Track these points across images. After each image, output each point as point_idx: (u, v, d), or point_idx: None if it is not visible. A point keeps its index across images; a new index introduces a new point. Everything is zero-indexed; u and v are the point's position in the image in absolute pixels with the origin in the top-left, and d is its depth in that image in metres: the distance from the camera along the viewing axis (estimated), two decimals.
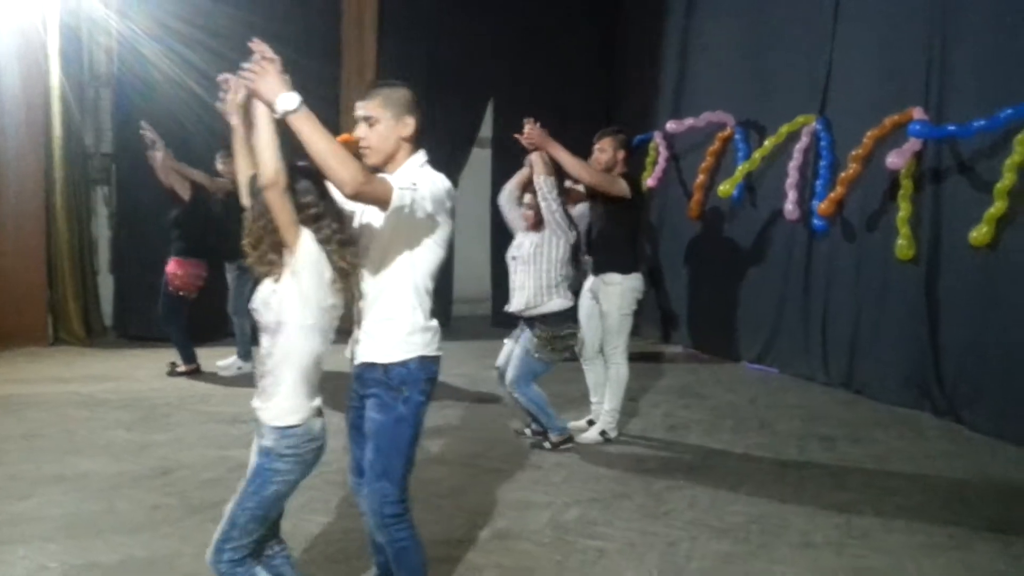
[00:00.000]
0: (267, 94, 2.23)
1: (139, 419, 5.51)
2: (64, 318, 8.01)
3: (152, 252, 6.90)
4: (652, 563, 3.50)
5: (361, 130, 2.62)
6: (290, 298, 2.35)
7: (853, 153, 6.61)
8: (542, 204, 4.77)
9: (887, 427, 5.77)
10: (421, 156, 2.68)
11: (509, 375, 4.92)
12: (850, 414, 6.13)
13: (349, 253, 2.44)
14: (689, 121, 8.54)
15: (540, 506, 4.12)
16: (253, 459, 2.45)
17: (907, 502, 4.29)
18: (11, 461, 4.61)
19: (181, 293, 6.63)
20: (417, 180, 2.51)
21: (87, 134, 8.50)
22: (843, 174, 6.72)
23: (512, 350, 5.01)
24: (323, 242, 2.38)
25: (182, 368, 6.77)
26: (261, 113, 2.27)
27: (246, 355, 6.84)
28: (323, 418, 2.48)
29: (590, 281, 5.28)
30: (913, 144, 6.07)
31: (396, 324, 2.59)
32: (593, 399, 5.45)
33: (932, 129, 5.96)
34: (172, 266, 6.61)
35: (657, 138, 9.01)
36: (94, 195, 8.71)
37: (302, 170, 2.40)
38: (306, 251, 2.34)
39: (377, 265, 2.60)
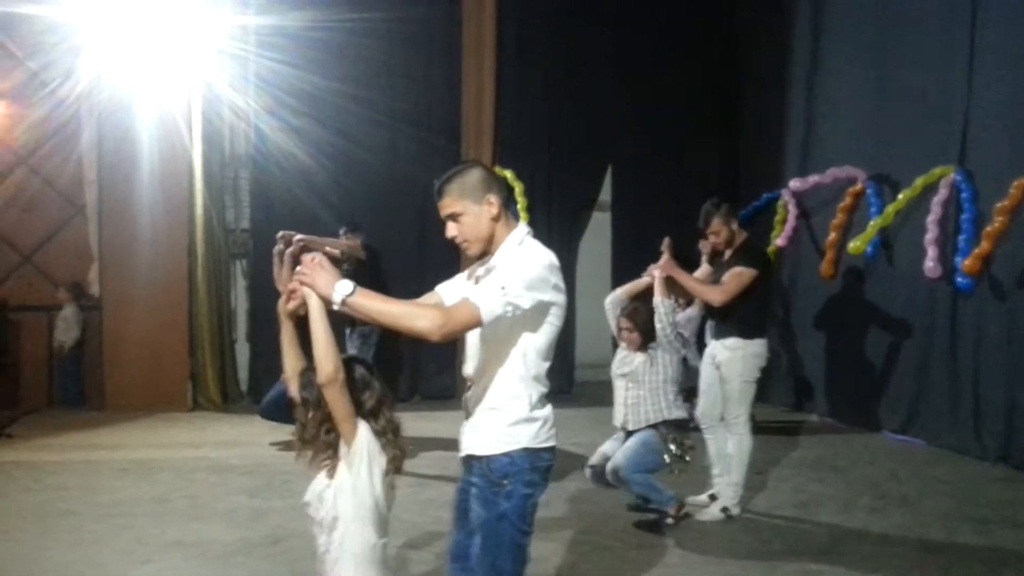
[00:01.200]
0: (324, 289, 2.24)
1: (261, 485, 5.66)
2: (203, 385, 8.47)
3: None
4: None
5: (451, 229, 2.57)
6: (345, 492, 2.32)
7: (999, 205, 6.11)
8: (657, 325, 4.71)
9: None
10: (521, 231, 2.57)
11: (619, 460, 4.67)
12: (1007, 492, 5.54)
13: (403, 441, 2.42)
14: (814, 178, 8.22)
15: None
16: None
17: None
18: (139, 525, 4.81)
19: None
20: (507, 276, 2.38)
21: (228, 211, 9.07)
22: (988, 228, 6.23)
23: (609, 450, 4.84)
24: (379, 433, 2.36)
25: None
26: (315, 308, 2.26)
27: None
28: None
29: (711, 346, 5.05)
30: None
31: (499, 415, 2.48)
32: (715, 471, 5.15)
33: None
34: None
35: (785, 195, 8.69)
36: (233, 268, 9.26)
37: (359, 361, 2.43)
38: (363, 442, 2.31)
39: (482, 355, 2.52)
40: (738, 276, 4.77)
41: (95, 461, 6.32)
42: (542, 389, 2.52)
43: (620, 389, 4.86)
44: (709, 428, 5.12)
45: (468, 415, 2.56)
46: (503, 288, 2.34)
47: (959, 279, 6.52)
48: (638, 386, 4.76)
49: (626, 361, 4.86)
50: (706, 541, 4.57)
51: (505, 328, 2.43)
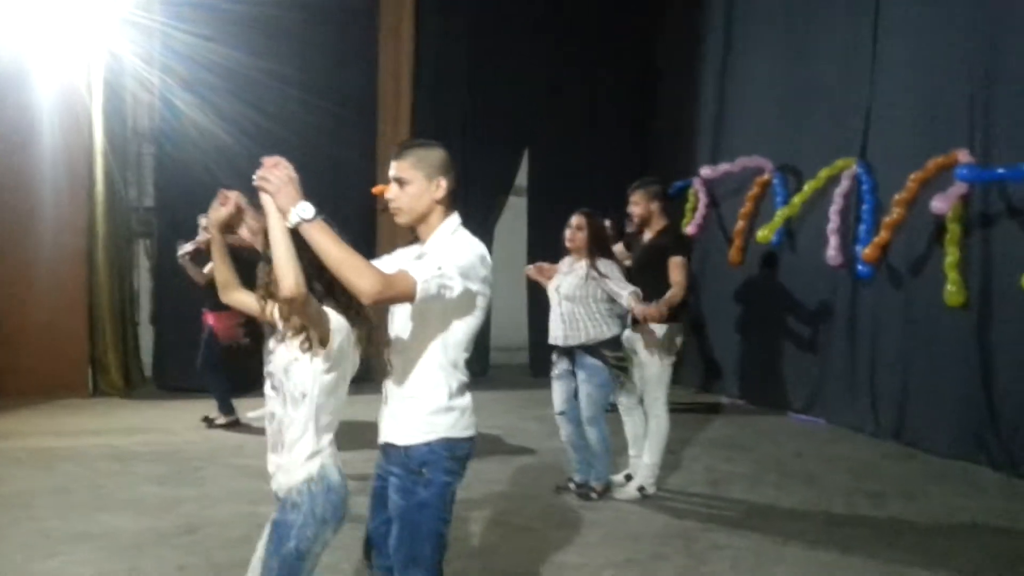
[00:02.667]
0: (284, 202, 2.17)
1: (170, 473, 5.47)
2: (104, 369, 8.09)
3: (192, 304, 6.94)
4: None
5: (392, 191, 2.54)
6: (318, 374, 2.30)
7: (897, 197, 6.43)
8: (606, 287, 4.82)
9: (941, 482, 5.50)
10: (454, 221, 2.57)
11: (586, 414, 4.85)
12: (902, 468, 5.86)
13: (367, 310, 2.38)
14: (724, 167, 8.45)
15: (573, 568, 3.95)
16: (272, 515, 2.39)
17: (965, 564, 4.04)
18: (41, 516, 4.58)
19: (227, 343, 6.64)
20: (443, 259, 2.37)
21: (130, 188, 8.66)
22: (887, 218, 6.54)
23: (568, 392, 4.95)
24: (345, 308, 2.32)
25: (221, 420, 6.75)
26: (275, 224, 2.19)
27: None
28: (341, 472, 2.39)
29: (626, 334, 5.14)
30: (959, 188, 5.88)
31: (418, 403, 2.46)
32: (632, 452, 5.27)
33: (981, 172, 5.78)
34: (211, 319, 6.64)
35: (696, 184, 8.91)
36: (136, 248, 8.87)
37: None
38: (340, 338, 2.28)
39: (405, 342, 2.50)
40: (681, 266, 4.94)
41: None
42: (462, 378, 2.52)
43: (556, 305, 4.94)
44: (627, 410, 5.23)
45: (386, 402, 2.54)
46: (439, 268, 2.33)
47: (859, 267, 6.82)
48: (573, 303, 4.84)
49: (566, 274, 4.92)
50: (624, 519, 4.67)
51: (430, 314, 2.43)
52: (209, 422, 6.76)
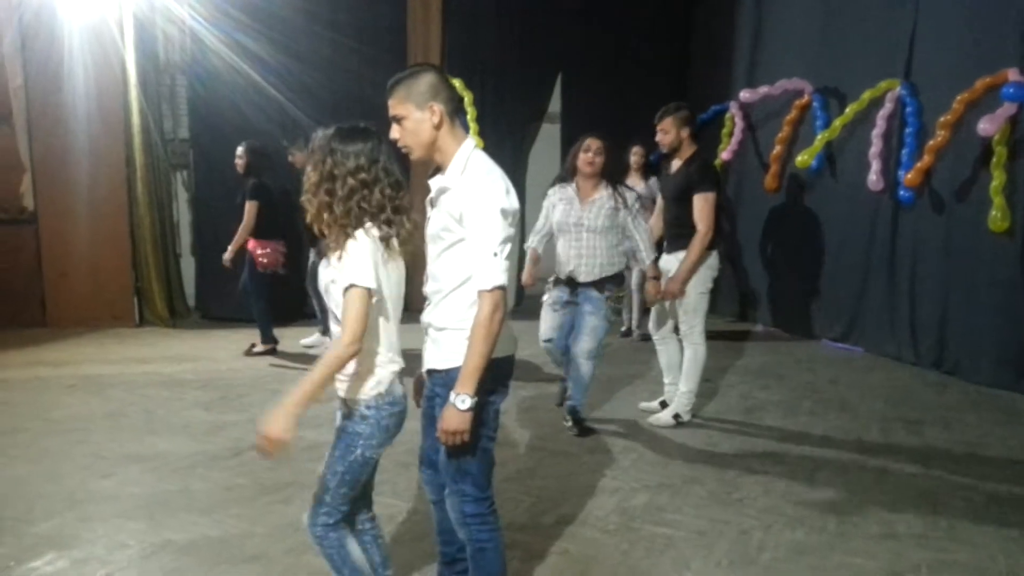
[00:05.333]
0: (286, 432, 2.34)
1: (216, 399, 5.64)
2: (149, 300, 8.28)
3: (232, 234, 7.05)
4: (721, 553, 3.39)
5: (394, 131, 2.56)
6: None
7: (941, 119, 6.25)
8: (628, 228, 4.83)
9: (980, 410, 5.47)
10: (468, 147, 2.54)
11: (586, 346, 4.80)
12: (939, 396, 5.84)
13: (407, 223, 2.44)
14: (764, 89, 8.24)
15: (607, 491, 4.04)
16: (338, 422, 2.53)
17: (1000, 492, 4.06)
18: (95, 440, 4.78)
19: (269, 271, 6.76)
20: (487, 239, 2.40)
21: (165, 121, 8.72)
22: (931, 142, 6.37)
23: (559, 321, 4.96)
24: (384, 238, 2.39)
25: (260, 348, 6.92)
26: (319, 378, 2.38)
27: (327, 331, 6.95)
28: (402, 385, 2.52)
29: (664, 260, 5.12)
30: (1008, 108, 5.69)
31: (457, 331, 2.52)
32: (666, 380, 5.31)
33: None
34: (252, 245, 6.73)
35: (733, 109, 8.72)
36: (174, 180, 8.96)
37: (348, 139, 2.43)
38: (369, 280, 2.33)
39: (440, 276, 2.56)
40: (706, 202, 4.78)
41: (42, 378, 6.20)
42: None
43: (570, 239, 4.84)
44: (661, 339, 5.25)
45: (427, 331, 2.62)
46: (495, 255, 2.40)
47: (901, 192, 6.69)
48: (596, 234, 4.78)
49: (589, 206, 4.82)
50: (657, 445, 4.75)
51: (461, 250, 2.48)
52: (249, 350, 6.93)
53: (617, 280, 4.89)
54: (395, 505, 3.82)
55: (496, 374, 2.54)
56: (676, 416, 5.10)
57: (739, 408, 5.53)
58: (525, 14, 9.09)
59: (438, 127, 2.51)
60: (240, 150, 6.73)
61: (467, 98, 8.59)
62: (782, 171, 8.11)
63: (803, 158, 7.39)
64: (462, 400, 2.37)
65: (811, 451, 4.67)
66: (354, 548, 2.57)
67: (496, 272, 2.40)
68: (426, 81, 2.51)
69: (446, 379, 2.53)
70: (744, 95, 8.44)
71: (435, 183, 2.57)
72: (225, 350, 7.12)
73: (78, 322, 7.90)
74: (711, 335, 5.45)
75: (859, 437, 4.93)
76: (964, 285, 6.25)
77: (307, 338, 7.27)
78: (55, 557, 3.33)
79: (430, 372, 2.63)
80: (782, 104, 8.14)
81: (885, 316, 7.03)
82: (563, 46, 9.32)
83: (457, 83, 8.68)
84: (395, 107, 2.52)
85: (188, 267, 8.92)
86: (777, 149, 8.13)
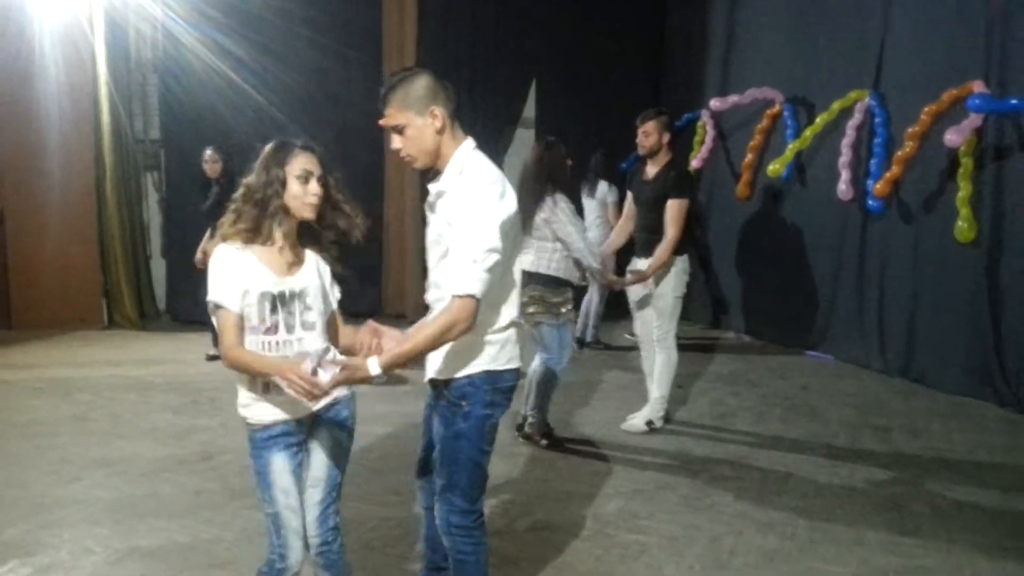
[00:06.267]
0: (358, 377, 2.26)
1: (186, 403, 5.58)
2: (118, 302, 8.17)
3: (202, 236, 6.97)
4: (694, 558, 3.41)
5: (395, 142, 2.45)
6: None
7: (909, 130, 6.34)
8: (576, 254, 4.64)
9: (946, 418, 5.56)
10: (466, 148, 2.48)
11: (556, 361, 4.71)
12: (907, 404, 5.92)
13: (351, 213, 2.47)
14: (733, 98, 8.32)
15: (581, 497, 4.05)
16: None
17: (966, 498, 4.12)
18: (62, 444, 4.70)
19: None
20: (472, 245, 2.30)
21: (135, 121, 8.61)
22: (899, 152, 6.47)
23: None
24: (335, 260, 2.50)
25: (214, 352, 6.82)
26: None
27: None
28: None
29: (634, 263, 5.11)
30: (973, 120, 5.79)
31: (463, 337, 2.40)
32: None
33: (993, 103, 5.68)
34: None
35: (704, 117, 8.80)
36: (144, 181, 8.85)
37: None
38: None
39: (439, 277, 2.47)
40: (679, 208, 4.81)
41: (7, 381, 6.08)
42: (502, 313, 2.50)
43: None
44: (648, 347, 5.17)
45: None
46: (474, 261, 2.29)
47: (870, 202, 6.78)
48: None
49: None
50: (630, 451, 4.76)
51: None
52: (212, 356, 6.81)
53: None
54: (365, 510, 3.79)
55: (498, 387, 2.50)
56: (649, 423, 5.12)
57: (710, 414, 5.57)
58: (498, 18, 9.11)
59: (441, 132, 2.43)
60: (213, 154, 6.62)
61: None
62: (753, 179, 8.19)
63: (774, 167, 7.47)
64: (374, 366, 2.25)
65: (781, 457, 4.71)
66: None
67: (471, 279, 2.28)
68: (423, 85, 2.41)
69: (445, 390, 2.49)
70: (714, 103, 8.52)
71: (433, 188, 2.49)
72: (195, 353, 7.03)
73: (45, 324, 7.75)
74: (683, 342, 5.49)
75: (828, 444, 4.98)
76: (931, 294, 6.35)
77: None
78: (18, 564, 3.28)
79: (432, 382, 2.56)
80: (753, 113, 8.23)
81: (854, 324, 7.12)
82: (538, 51, 9.34)
83: None
84: (393, 116, 2.41)
85: (158, 269, 8.81)
86: (748, 157, 8.20)
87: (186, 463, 4.42)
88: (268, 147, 2.39)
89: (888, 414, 5.63)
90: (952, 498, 4.11)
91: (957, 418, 5.54)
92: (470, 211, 2.34)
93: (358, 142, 8.26)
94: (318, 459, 2.49)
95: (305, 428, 2.46)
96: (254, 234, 2.35)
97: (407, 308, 8.70)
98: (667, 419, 5.24)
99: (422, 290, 2.63)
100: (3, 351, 7.05)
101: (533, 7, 9.15)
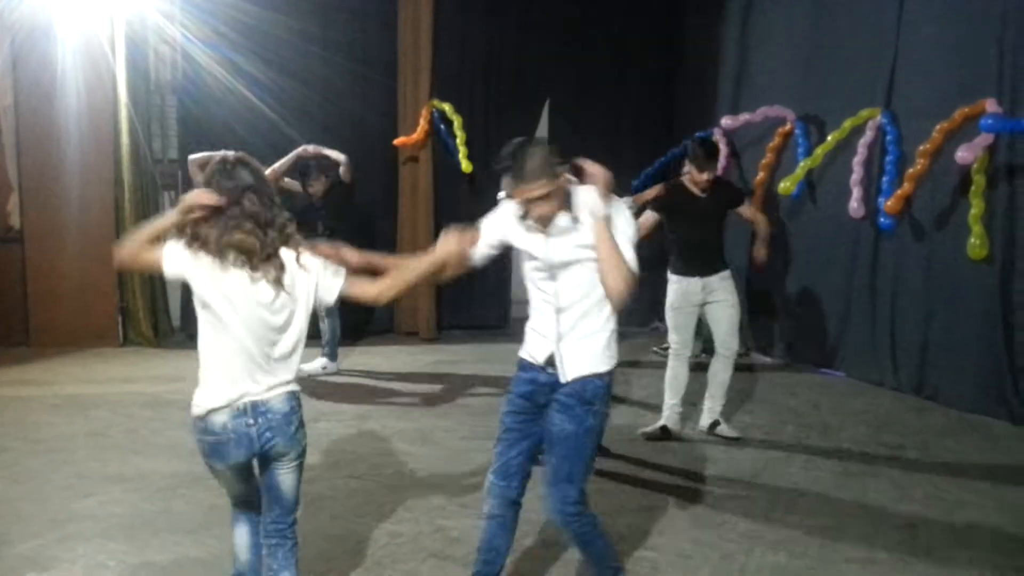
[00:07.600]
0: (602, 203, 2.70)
1: None
2: (133, 320, 8.27)
3: None
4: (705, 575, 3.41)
5: (535, 210, 2.67)
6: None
7: (921, 148, 6.35)
8: None
9: (959, 435, 5.53)
10: (571, 178, 2.86)
11: None
12: (920, 421, 5.90)
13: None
14: (745, 116, 8.35)
15: None
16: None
17: (979, 518, 4.10)
18: (77, 459, 4.76)
19: None
20: (622, 231, 2.75)
21: (154, 141, 8.74)
22: (911, 170, 6.47)
23: None
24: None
25: None
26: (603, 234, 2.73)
27: (333, 355, 7.08)
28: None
29: (707, 281, 5.30)
30: (984, 138, 5.80)
31: (594, 341, 2.75)
32: (673, 400, 5.39)
33: (1005, 122, 5.69)
34: None
35: (717, 134, 8.83)
36: (162, 200, 8.96)
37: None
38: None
39: (574, 288, 2.75)
40: (750, 204, 5.46)
41: (25, 397, 6.17)
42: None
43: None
44: (682, 356, 5.35)
45: (559, 340, 2.75)
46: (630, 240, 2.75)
47: (881, 219, 6.77)
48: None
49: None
50: (640, 467, 4.76)
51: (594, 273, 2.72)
52: None
53: None
54: (377, 527, 3.82)
55: (610, 387, 2.82)
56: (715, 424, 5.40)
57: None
58: (512, 40, 9.21)
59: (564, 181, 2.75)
60: None
61: (457, 122, 8.67)
62: (765, 197, 8.20)
63: (785, 185, 7.48)
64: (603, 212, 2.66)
65: (793, 475, 4.71)
66: None
67: (630, 255, 2.75)
68: (543, 151, 2.65)
69: (579, 388, 2.72)
70: (726, 121, 8.55)
71: (561, 220, 2.73)
72: None
73: (62, 341, 7.85)
74: (695, 359, 5.53)
75: (840, 461, 4.97)
76: (944, 311, 6.33)
77: (308, 364, 6.73)
78: None
79: (553, 384, 2.76)
80: (765, 131, 8.25)
81: (867, 342, 7.10)
82: (552, 71, 9.40)
83: (447, 107, 8.77)
84: (535, 191, 2.62)
85: (173, 287, 8.89)
86: (760, 175, 8.22)
87: (201, 479, 4.43)
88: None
89: (901, 432, 5.60)
90: (966, 517, 4.09)
91: (971, 436, 5.51)
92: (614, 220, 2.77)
93: (373, 162, 8.39)
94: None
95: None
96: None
97: (420, 327, 8.74)
98: (680, 436, 5.26)
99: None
100: (21, 368, 7.15)
101: (546, 29, 9.23)
